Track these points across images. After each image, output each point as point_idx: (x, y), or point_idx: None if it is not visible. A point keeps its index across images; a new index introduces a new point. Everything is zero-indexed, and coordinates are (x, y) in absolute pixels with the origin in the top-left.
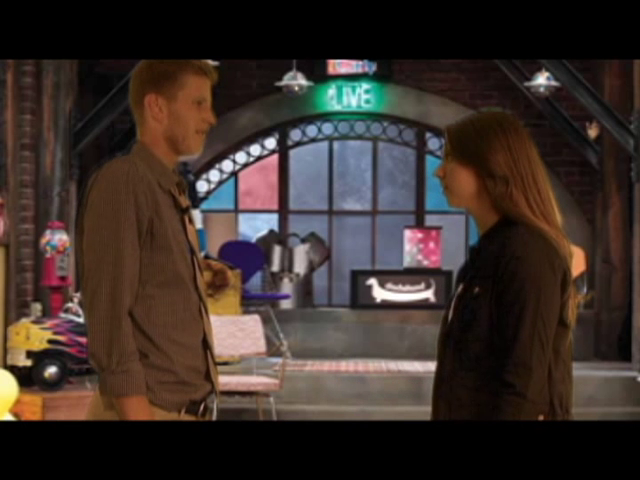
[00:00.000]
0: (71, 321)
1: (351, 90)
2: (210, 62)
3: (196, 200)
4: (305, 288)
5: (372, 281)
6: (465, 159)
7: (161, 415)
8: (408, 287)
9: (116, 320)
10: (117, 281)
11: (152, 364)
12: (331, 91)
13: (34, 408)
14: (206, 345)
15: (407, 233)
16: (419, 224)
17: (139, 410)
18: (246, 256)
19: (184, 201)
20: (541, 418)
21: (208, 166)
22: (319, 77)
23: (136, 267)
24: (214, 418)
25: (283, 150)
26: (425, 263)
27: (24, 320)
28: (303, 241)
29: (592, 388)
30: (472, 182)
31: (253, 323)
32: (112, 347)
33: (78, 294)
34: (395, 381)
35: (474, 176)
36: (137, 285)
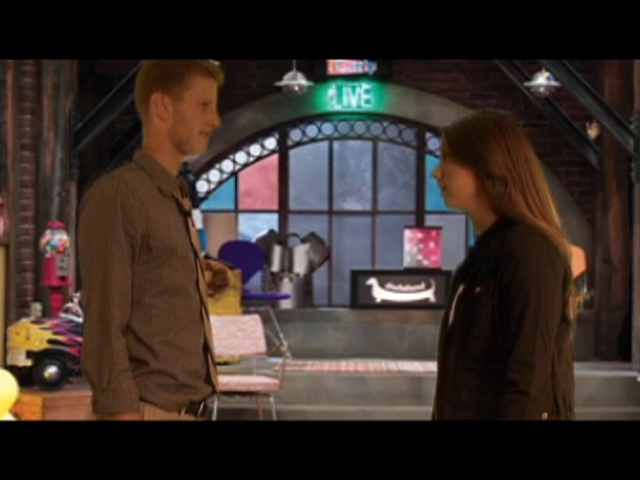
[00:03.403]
0: (71, 321)
1: (351, 90)
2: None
3: (196, 200)
4: (305, 288)
5: (372, 281)
6: (463, 160)
7: (161, 415)
8: (408, 287)
9: (105, 337)
10: (105, 298)
11: (152, 370)
12: (331, 91)
13: (34, 408)
14: (206, 348)
15: (407, 233)
16: (419, 224)
17: None
18: (246, 256)
19: (187, 204)
20: (545, 416)
21: (208, 166)
22: (319, 77)
23: (126, 283)
24: (214, 418)
25: (283, 150)
26: (425, 263)
27: (24, 320)
28: (303, 241)
29: (592, 388)
30: (470, 183)
31: (253, 323)
32: (102, 364)
33: (78, 294)
34: (395, 381)
35: (472, 177)
36: (130, 299)
